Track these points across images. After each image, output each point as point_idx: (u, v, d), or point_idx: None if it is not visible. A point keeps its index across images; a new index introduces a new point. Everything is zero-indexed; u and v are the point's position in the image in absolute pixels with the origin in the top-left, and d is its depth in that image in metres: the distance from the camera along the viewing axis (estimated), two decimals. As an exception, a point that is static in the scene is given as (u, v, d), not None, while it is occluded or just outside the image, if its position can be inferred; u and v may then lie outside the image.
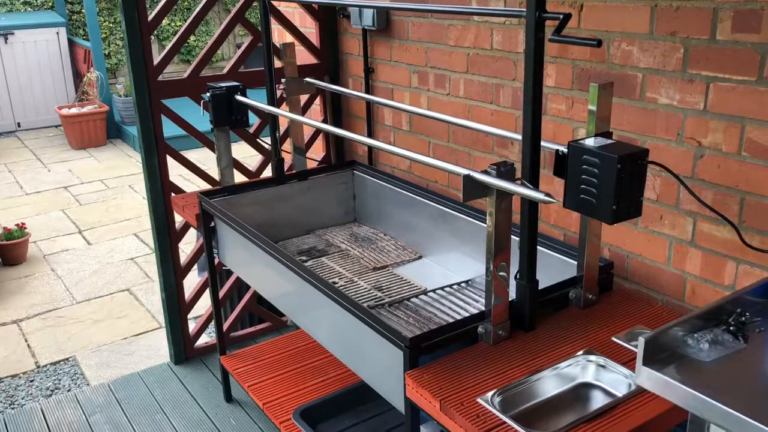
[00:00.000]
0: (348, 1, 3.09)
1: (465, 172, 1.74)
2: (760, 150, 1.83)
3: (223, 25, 3.22)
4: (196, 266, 3.54)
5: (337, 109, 3.51)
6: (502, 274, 1.82)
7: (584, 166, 1.67)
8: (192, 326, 3.52)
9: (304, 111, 3.44)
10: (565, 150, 1.74)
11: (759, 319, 1.45)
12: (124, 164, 7.42)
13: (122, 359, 3.73)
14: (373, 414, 2.68)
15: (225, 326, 3.39)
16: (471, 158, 2.78)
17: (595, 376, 1.77)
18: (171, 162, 3.16)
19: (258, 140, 3.36)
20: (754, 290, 1.50)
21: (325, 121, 3.52)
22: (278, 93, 3.01)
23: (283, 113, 2.86)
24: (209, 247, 2.90)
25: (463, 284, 2.50)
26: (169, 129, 3.20)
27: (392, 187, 2.94)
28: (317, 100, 3.53)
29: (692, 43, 1.93)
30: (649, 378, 1.31)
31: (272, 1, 3.00)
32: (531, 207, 1.81)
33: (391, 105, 2.82)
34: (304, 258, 2.82)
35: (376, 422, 2.65)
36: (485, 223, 1.81)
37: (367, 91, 3.25)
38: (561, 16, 1.64)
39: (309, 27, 3.47)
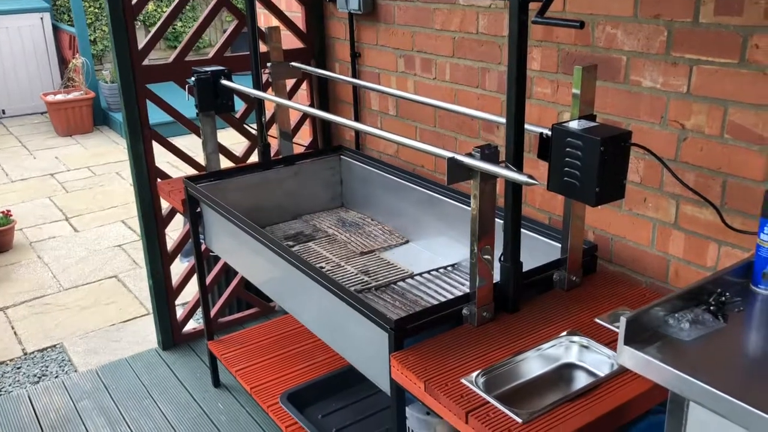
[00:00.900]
0: (334, -16, 3.07)
1: (449, 154, 1.74)
2: (742, 132, 1.84)
3: (208, 9, 3.19)
4: (180, 254, 3.53)
5: (323, 94, 3.50)
6: (486, 257, 1.83)
7: (568, 149, 1.68)
8: (180, 312, 3.52)
9: (290, 96, 3.43)
10: (549, 133, 1.74)
11: (739, 299, 1.47)
12: (111, 151, 7.36)
13: (110, 345, 3.72)
14: (359, 397, 2.69)
15: (212, 312, 3.39)
16: (457, 143, 2.78)
17: (578, 356, 1.79)
18: (159, 149, 3.15)
19: (244, 126, 3.35)
20: (734, 271, 1.52)
21: (312, 106, 3.51)
22: (264, 78, 3.00)
23: (269, 97, 2.85)
24: (195, 232, 2.89)
25: (449, 268, 2.51)
26: (156, 116, 3.18)
27: (379, 172, 2.94)
28: (303, 85, 3.52)
29: (675, 26, 1.94)
30: (630, 357, 1.32)
31: (257, -15, 2.98)
32: (515, 189, 1.82)
33: (378, 89, 2.82)
34: (291, 243, 2.82)
35: (362, 405, 2.67)
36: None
37: (354, 76, 3.24)
38: (544, -2, 1.64)
39: (295, 11, 3.46)
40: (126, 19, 2.92)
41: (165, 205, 3.26)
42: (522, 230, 1.90)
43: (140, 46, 3.01)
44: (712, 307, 1.43)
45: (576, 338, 1.80)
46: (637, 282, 2.20)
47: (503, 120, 1.85)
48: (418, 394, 1.69)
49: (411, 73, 2.94)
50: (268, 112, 3.23)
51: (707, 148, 1.93)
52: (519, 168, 1.79)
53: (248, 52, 2.92)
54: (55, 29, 8.71)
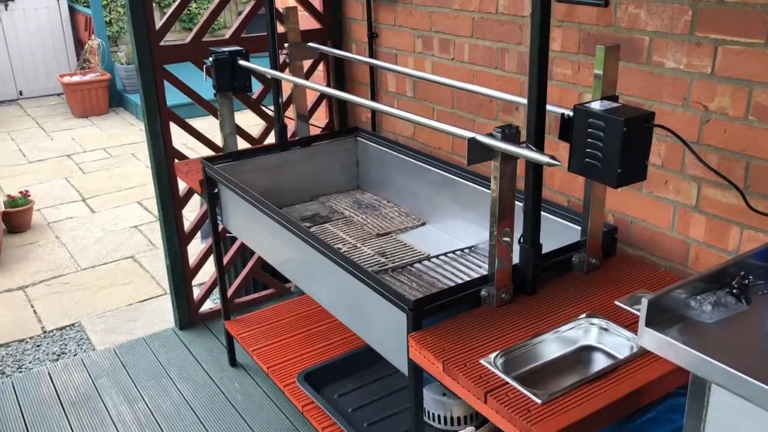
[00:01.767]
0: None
1: (470, 135, 1.73)
2: (767, 114, 1.82)
3: (225, -11, 3.18)
4: (198, 234, 3.55)
5: (340, 76, 3.49)
6: (506, 239, 1.83)
7: (590, 130, 1.67)
8: (196, 292, 3.54)
9: (307, 77, 3.42)
10: (571, 113, 1.73)
11: (762, 282, 1.45)
12: (127, 132, 7.40)
13: (127, 325, 3.76)
14: (376, 378, 2.71)
15: (229, 292, 3.41)
16: (475, 125, 2.76)
17: (597, 339, 1.79)
18: (175, 131, 3.15)
19: (261, 106, 3.35)
20: (757, 254, 1.50)
21: (328, 87, 3.50)
22: (281, 59, 2.99)
23: (287, 77, 2.84)
24: (213, 213, 2.91)
25: (466, 250, 2.50)
26: (174, 97, 3.18)
27: (396, 153, 2.93)
28: (320, 67, 3.50)
29: (700, 5, 1.90)
30: (651, 339, 1.31)
31: (275, -36, 2.96)
32: (536, 170, 1.81)
33: (395, 69, 2.80)
34: (307, 224, 2.83)
35: (379, 385, 2.68)
36: (489, 189, 1.81)
37: (371, 57, 3.22)
38: (568, -24, 1.62)
39: (312, -9, 3.43)
40: (144, -1, 2.92)
41: (182, 186, 3.27)
42: (541, 212, 1.89)
43: (157, 26, 3.00)
44: (734, 290, 1.41)
45: (595, 320, 1.80)
46: (656, 265, 2.18)
47: (524, 101, 1.83)
48: (437, 375, 1.70)
49: (429, 54, 2.92)
50: (285, 94, 3.22)
51: (731, 130, 1.91)
52: (540, 149, 1.77)
53: (265, 33, 2.91)
54: (71, 11, 8.73)
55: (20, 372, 3.37)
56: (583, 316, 1.82)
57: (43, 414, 2.98)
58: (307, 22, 3.32)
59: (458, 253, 2.48)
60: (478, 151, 1.74)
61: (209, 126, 3.71)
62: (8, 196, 5.04)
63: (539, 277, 1.93)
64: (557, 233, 2.16)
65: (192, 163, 3.09)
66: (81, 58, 8.45)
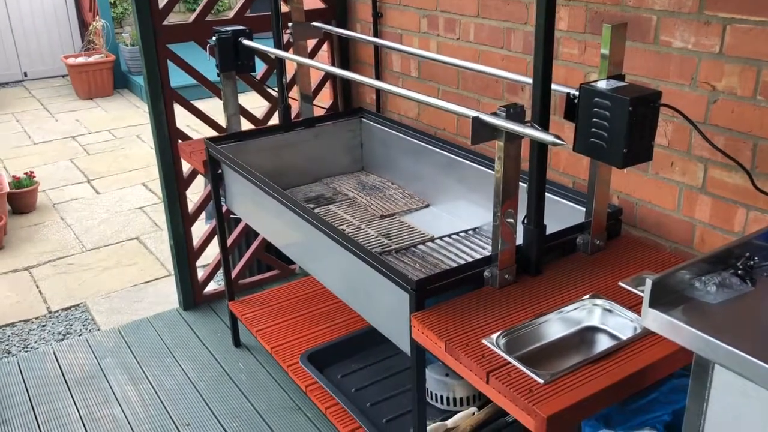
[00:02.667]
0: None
1: (474, 113, 1.72)
2: (775, 94, 1.80)
3: (228, -32, 3.15)
4: (203, 214, 3.55)
5: (344, 56, 3.46)
6: (509, 219, 1.82)
7: (595, 109, 1.65)
8: (201, 273, 3.55)
9: (310, 58, 3.39)
10: (577, 93, 1.71)
11: (767, 263, 1.44)
12: (132, 114, 7.39)
13: (132, 305, 3.77)
14: (379, 358, 2.71)
15: (233, 273, 3.41)
16: (480, 105, 2.74)
17: (600, 319, 1.78)
18: (179, 113, 3.14)
19: (265, 87, 3.33)
20: (763, 235, 1.49)
21: (332, 66, 3.47)
22: (285, 38, 2.97)
23: (291, 56, 2.82)
24: (216, 194, 2.90)
25: (470, 232, 2.49)
26: (178, 79, 3.17)
27: (400, 135, 2.92)
28: (324, 47, 3.48)
29: (710, -17, 1.87)
30: (655, 319, 1.31)
31: (279, -57, 2.92)
32: (540, 150, 1.79)
33: (400, 49, 2.77)
34: (311, 205, 2.82)
35: (382, 366, 2.69)
36: (493, 171, 1.80)
37: (376, 37, 3.19)
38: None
39: (316, -30, 3.40)
40: (146, -22, 2.90)
41: (186, 167, 3.27)
42: (546, 193, 1.87)
43: (161, 5, 2.98)
44: (739, 271, 1.40)
45: (599, 301, 1.79)
46: (661, 247, 2.17)
47: (529, 80, 1.82)
48: (439, 354, 1.69)
49: (434, 34, 2.89)
50: (289, 75, 3.20)
51: (738, 111, 1.88)
52: (545, 128, 1.75)
53: (268, 13, 2.89)
54: (75, -9, 8.69)
55: (26, 351, 3.39)
56: (587, 297, 1.81)
57: (49, 393, 3.00)
58: (311, 1, 3.29)
59: (462, 234, 2.48)
60: (482, 131, 1.73)
61: (213, 107, 3.69)
62: (13, 177, 5.05)
63: (543, 258, 1.92)
64: (561, 214, 2.15)
65: (196, 144, 3.09)
66: (85, 39, 8.42)
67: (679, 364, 1.62)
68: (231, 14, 3.23)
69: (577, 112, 1.70)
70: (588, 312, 1.79)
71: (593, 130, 1.66)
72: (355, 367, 2.70)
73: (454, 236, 2.47)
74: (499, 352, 1.61)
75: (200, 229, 3.55)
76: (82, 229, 4.77)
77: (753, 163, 1.88)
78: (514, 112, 1.71)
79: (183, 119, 3.35)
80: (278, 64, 2.98)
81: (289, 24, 2.96)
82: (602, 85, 1.68)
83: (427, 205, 2.83)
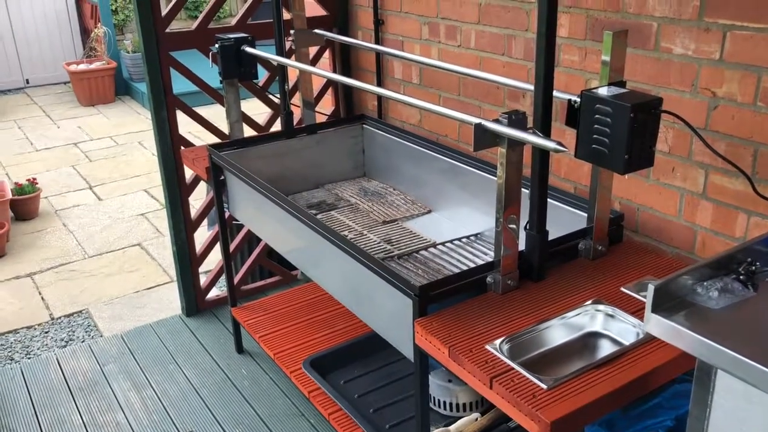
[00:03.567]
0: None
1: (476, 120, 1.73)
2: (776, 100, 1.81)
3: (231, -24, 3.17)
4: (206, 221, 3.56)
5: (346, 63, 3.48)
6: (512, 225, 1.83)
7: (597, 116, 1.66)
8: (203, 279, 3.56)
9: (312, 65, 3.41)
10: (578, 99, 1.72)
11: (769, 268, 1.45)
12: (133, 121, 7.41)
13: (134, 312, 3.78)
14: (381, 364, 2.72)
15: (236, 279, 3.42)
16: (482, 111, 2.75)
17: (603, 325, 1.79)
18: (181, 119, 3.16)
19: (267, 94, 3.34)
20: (764, 240, 1.49)
21: (334, 73, 3.49)
22: (287, 45, 2.98)
23: (293, 63, 2.83)
24: (219, 200, 2.91)
25: (472, 237, 2.50)
26: (180, 86, 3.18)
27: (402, 141, 2.93)
28: (326, 54, 3.49)
29: (710, -10, 1.89)
30: (657, 325, 1.31)
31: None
32: (542, 156, 1.80)
33: (402, 56, 2.79)
34: (314, 212, 2.83)
35: (384, 372, 2.69)
36: (495, 177, 1.81)
37: (377, 44, 3.21)
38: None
39: (318, -22, 3.42)
40: (149, -14, 2.92)
41: (188, 174, 3.28)
42: (548, 199, 1.88)
43: (163, 13, 3.00)
44: (741, 276, 1.41)
45: (601, 307, 1.80)
46: (663, 252, 2.18)
47: (531, 87, 1.83)
48: (442, 360, 1.70)
49: (435, 41, 2.91)
50: (291, 82, 3.21)
51: (739, 117, 1.89)
52: (547, 135, 1.76)
53: (271, 20, 2.90)
54: (77, -1, 8.73)
55: (29, 358, 3.40)
56: (589, 302, 1.82)
57: (52, 399, 3.00)
58: (313, 8, 3.31)
59: (464, 240, 2.48)
60: (484, 137, 1.74)
61: (215, 114, 3.71)
62: (16, 183, 5.06)
63: (545, 263, 1.92)
64: (563, 220, 2.16)
65: (198, 151, 3.10)
66: (87, 46, 8.45)
67: (682, 369, 1.63)
68: (233, 21, 3.24)
69: (579, 118, 1.71)
70: (590, 317, 1.80)
71: (595, 136, 1.67)
72: (358, 372, 2.71)
73: (457, 242, 2.47)
74: (502, 357, 1.62)
75: (202, 235, 3.56)
76: (84, 235, 4.78)
77: (754, 169, 1.89)
78: (516, 119, 1.72)
79: (185, 126, 3.37)
80: (280, 71, 2.99)
81: (291, 31, 2.98)
82: (603, 91, 1.69)
83: (429, 211, 2.83)
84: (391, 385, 2.63)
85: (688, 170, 2.07)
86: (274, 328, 2.97)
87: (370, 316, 2.13)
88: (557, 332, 1.76)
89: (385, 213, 2.82)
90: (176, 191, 3.26)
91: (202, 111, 3.32)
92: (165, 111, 3.09)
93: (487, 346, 1.65)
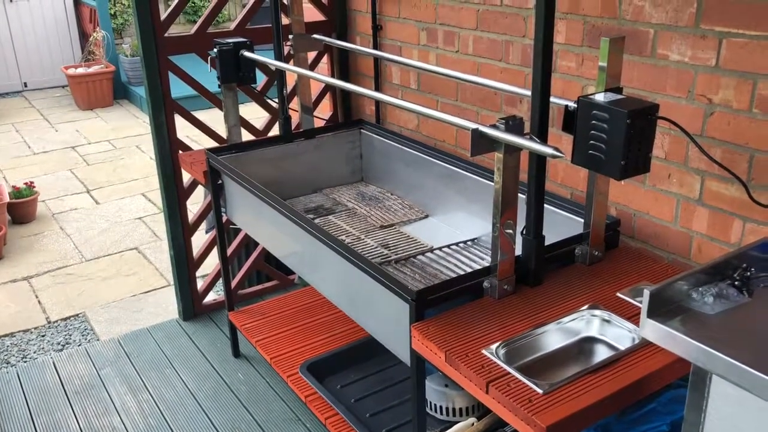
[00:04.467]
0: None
1: (473, 126, 1.74)
2: (771, 107, 1.82)
3: (230, -19, 3.18)
4: (203, 224, 3.56)
5: (344, 68, 3.49)
6: (508, 230, 1.83)
7: (593, 122, 1.67)
8: (200, 284, 3.56)
9: (311, 70, 3.42)
10: (575, 105, 1.73)
11: (764, 274, 1.45)
12: (131, 125, 7.41)
13: (131, 316, 3.78)
14: (378, 369, 2.72)
15: (233, 284, 3.42)
16: (479, 117, 2.76)
17: (599, 330, 1.79)
18: (179, 123, 3.16)
19: (265, 98, 3.35)
20: (760, 246, 1.50)
21: (332, 78, 3.50)
22: (285, 50, 2.99)
23: (291, 68, 2.84)
24: (217, 204, 2.91)
25: (469, 242, 2.51)
26: (178, 90, 3.19)
27: (399, 146, 2.94)
28: (324, 59, 3.50)
29: (706, -3, 1.90)
30: (653, 330, 1.32)
31: (280, -44, 2.95)
32: (539, 162, 1.81)
33: (400, 61, 2.80)
34: (311, 216, 2.83)
35: (381, 377, 2.69)
36: (492, 182, 1.82)
37: (375, 49, 3.22)
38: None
39: (317, -17, 3.43)
40: (148, -10, 2.92)
41: (186, 178, 3.28)
42: (544, 205, 1.89)
43: (162, 17, 3.01)
44: (736, 282, 1.42)
45: (597, 312, 1.80)
46: (659, 258, 2.19)
47: (528, 92, 1.84)
48: (439, 365, 1.70)
49: (433, 47, 2.92)
50: (289, 86, 3.22)
51: (734, 123, 1.91)
52: (544, 141, 1.77)
53: (269, 25, 2.91)
54: (76, 3, 8.74)
55: (25, 362, 3.40)
56: (585, 307, 1.82)
57: (48, 403, 3.00)
58: (311, 14, 3.32)
59: (461, 245, 2.49)
60: (481, 143, 1.74)
61: (213, 118, 3.72)
62: (13, 187, 5.06)
63: (542, 268, 1.93)
64: (560, 225, 2.17)
65: (196, 155, 3.10)
66: (86, 50, 8.45)
67: (677, 374, 1.63)
68: (232, 26, 3.25)
69: (576, 124, 1.72)
70: (586, 322, 1.80)
71: (591, 142, 1.68)
72: (355, 377, 2.71)
73: (454, 247, 2.48)
74: (498, 362, 1.62)
75: (200, 239, 3.56)
76: (81, 239, 4.78)
77: (749, 175, 1.90)
78: (513, 124, 1.73)
79: (183, 130, 3.37)
80: (279, 76, 3.00)
81: (290, 36, 2.99)
82: (600, 97, 1.70)
83: (427, 216, 2.84)
84: (387, 390, 2.63)
85: (684, 176, 2.08)
86: (271, 332, 2.97)
87: (367, 320, 2.14)
88: (553, 337, 1.76)
89: (382, 218, 2.82)
90: (174, 195, 3.26)
91: (201, 115, 3.33)
92: (163, 115, 3.10)
93: (484, 351, 1.66)
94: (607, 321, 1.79)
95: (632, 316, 1.77)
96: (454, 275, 2.25)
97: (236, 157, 2.84)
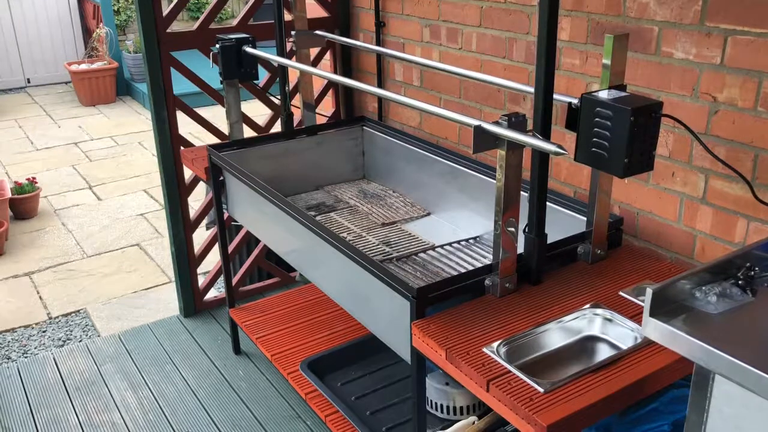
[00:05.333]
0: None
1: (476, 122, 1.73)
2: (776, 105, 1.80)
3: (232, -23, 3.17)
4: (205, 220, 3.55)
5: (347, 65, 3.48)
6: (510, 228, 1.82)
7: (597, 119, 1.66)
8: (201, 280, 3.55)
9: (313, 66, 3.41)
10: (578, 102, 1.72)
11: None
12: (134, 121, 7.41)
13: (132, 312, 3.77)
14: (379, 367, 2.71)
15: (234, 281, 3.41)
16: (482, 114, 2.75)
17: (601, 329, 1.78)
18: (181, 119, 3.16)
19: (267, 95, 3.34)
20: (764, 245, 1.49)
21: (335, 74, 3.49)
22: (288, 46, 2.98)
23: (294, 64, 2.83)
24: (218, 200, 2.91)
25: (471, 240, 2.50)
26: (181, 86, 3.18)
27: (402, 143, 2.93)
28: (327, 56, 3.49)
29: (711, -5, 1.89)
30: (655, 329, 1.31)
31: (283, -48, 2.94)
32: (542, 159, 1.80)
33: (403, 57, 2.79)
34: (313, 213, 2.82)
35: (382, 374, 2.68)
36: (495, 180, 1.80)
37: (378, 46, 3.21)
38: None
39: (320, -20, 3.42)
40: (151, -15, 2.92)
41: (188, 174, 3.28)
42: (547, 203, 1.88)
43: (164, 13, 3.00)
44: (740, 281, 1.40)
45: (599, 311, 1.79)
46: (662, 257, 2.17)
47: (531, 90, 1.82)
48: (440, 362, 1.69)
49: (436, 44, 2.91)
50: (291, 83, 3.21)
51: (739, 122, 1.89)
52: (547, 138, 1.76)
53: (272, 21, 2.90)
54: (79, -1, 8.74)
55: (26, 357, 3.39)
56: (587, 306, 1.81)
57: (48, 398, 2.99)
58: (314, 10, 3.31)
59: (463, 243, 2.48)
60: (484, 139, 1.73)
61: (215, 115, 3.71)
62: (15, 182, 5.06)
63: (544, 267, 1.92)
64: (562, 224, 2.15)
65: (198, 151, 3.09)
66: (89, 46, 8.45)
67: (680, 374, 1.62)
68: (234, 22, 3.24)
69: (579, 121, 1.71)
70: (588, 321, 1.79)
71: (594, 139, 1.67)
72: (356, 375, 2.70)
73: (455, 245, 2.47)
74: (499, 360, 1.61)
75: (201, 236, 3.55)
76: (83, 235, 4.78)
77: (754, 174, 1.88)
78: (516, 122, 1.71)
79: (185, 126, 3.37)
80: (281, 72, 2.99)
81: (293, 32, 2.98)
82: (604, 95, 1.69)
83: (428, 214, 2.83)
84: (388, 388, 2.62)
85: (688, 175, 2.06)
86: (271, 329, 2.96)
87: (368, 318, 2.13)
88: (555, 336, 1.75)
89: (384, 215, 2.81)
90: (175, 192, 3.26)
91: (203, 111, 3.33)
92: (165, 111, 3.09)
93: (485, 349, 1.65)
94: (609, 320, 1.78)
95: (634, 315, 1.76)
96: (455, 273, 2.24)
97: (238, 154, 2.83)
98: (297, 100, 3.15)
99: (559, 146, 1.63)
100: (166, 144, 3.15)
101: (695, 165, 2.04)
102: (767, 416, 1.16)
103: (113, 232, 4.82)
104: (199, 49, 3.11)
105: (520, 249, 1.89)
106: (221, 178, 2.85)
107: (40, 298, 3.98)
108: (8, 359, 3.39)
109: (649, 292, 1.30)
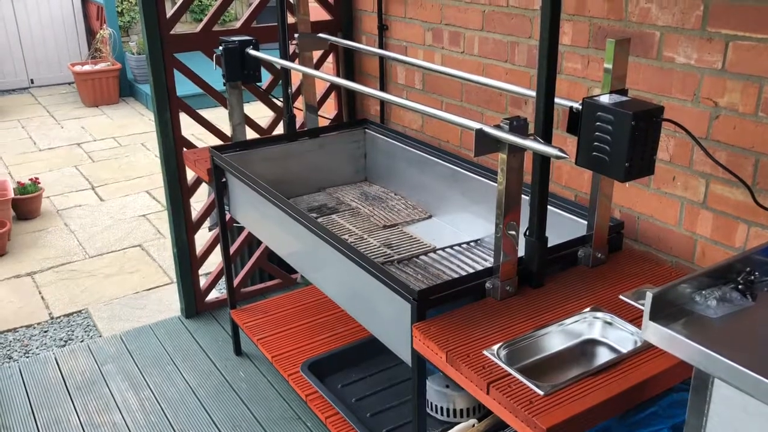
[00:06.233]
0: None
1: (477, 125, 1.73)
2: (777, 111, 1.81)
3: (236, -21, 3.18)
4: (207, 221, 3.56)
5: (349, 68, 3.49)
6: (511, 231, 1.83)
7: (598, 123, 1.66)
8: (203, 281, 3.56)
9: (316, 69, 3.42)
10: (579, 107, 1.72)
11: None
12: (137, 122, 7.43)
13: (134, 312, 3.78)
14: (379, 369, 2.71)
15: (235, 282, 3.42)
16: (484, 118, 2.76)
17: (601, 332, 1.79)
18: (184, 121, 3.17)
19: (270, 97, 3.35)
20: (764, 250, 1.49)
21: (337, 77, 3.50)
22: (291, 49, 2.99)
23: (296, 67, 2.84)
24: (221, 202, 2.91)
25: (472, 243, 2.50)
26: (183, 88, 3.19)
27: (404, 146, 2.93)
28: (329, 58, 3.50)
29: (712, 0, 1.89)
30: (655, 333, 1.31)
31: (286, -45, 2.95)
32: (543, 163, 1.80)
33: (405, 60, 2.79)
34: (314, 215, 2.83)
35: (382, 377, 2.69)
36: (496, 183, 1.81)
37: (381, 49, 3.22)
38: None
39: (323, -17, 3.43)
40: (155, -13, 2.93)
41: (190, 175, 3.29)
42: (548, 206, 1.88)
43: (168, 15, 3.01)
44: (740, 286, 1.41)
45: (599, 314, 1.80)
46: (662, 261, 2.18)
47: (533, 93, 1.83)
48: (440, 365, 1.70)
49: (438, 47, 2.92)
50: (294, 85, 3.22)
51: (740, 127, 1.90)
52: (548, 142, 1.77)
53: (275, 24, 2.91)
54: (83, 0, 8.76)
55: (27, 357, 3.40)
56: (588, 309, 1.82)
57: (49, 398, 3.00)
58: (317, 13, 3.32)
59: (464, 246, 2.48)
60: (485, 143, 1.74)
61: (218, 117, 3.72)
62: (18, 182, 5.07)
63: (544, 270, 1.93)
64: (563, 227, 2.16)
65: (200, 152, 3.10)
66: (92, 47, 8.48)
67: (679, 378, 1.63)
68: (238, 25, 3.26)
69: (580, 125, 1.71)
70: (588, 325, 1.80)
71: (596, 143, 1.67)
72: (356, 377, 2.70)
73: (456, 247, 2.47)
74: (499, 363, 1.61)
75: (203, 237, 3.56)
76: (85, 235, 4.79)
77: (754, 179, 1.89)
78: (518, 125, 1.72)
79: (188, 128, 3.38)
80: (284, 75, 3.00)
81: (296, 35, 2.99)
82: (605, 99, 1.70)
83: (430, 216, 2.84)
84: (388, 390, 2.62)
85: (689, 179, 2.07)
86: (272, 331, 2.97)
87: (369, 320, 2.13)
88: (555, 339, 1.76)
89: (385, 217, 2.82)
90: (178, 193, 3.27)
91: (206, 113, 3.33)
92: (168, 112, 3.10)
93: (485, 352, 1.65)
94: (609, 323, 1.78)
95: (634, 318, 1.77)
96: (456, 276, 2.24)
97: (240, 156, 2.84)
98: (300, 103, 3.16)
99: (561, 150, 1.63)
100: (168, 145, 3.16)
101: (696, 169, 2.04)
102: (766, 420, 1.17)
103: (115, 232, 4.83)
104: (202, 51, 3.12)
105: (521, 252, 1.89)
106: (223, 179, 2.86)
107: (42, 298, 3.99)
108: (10, 359, 3.40)
109: (649, 295, 1.30)
